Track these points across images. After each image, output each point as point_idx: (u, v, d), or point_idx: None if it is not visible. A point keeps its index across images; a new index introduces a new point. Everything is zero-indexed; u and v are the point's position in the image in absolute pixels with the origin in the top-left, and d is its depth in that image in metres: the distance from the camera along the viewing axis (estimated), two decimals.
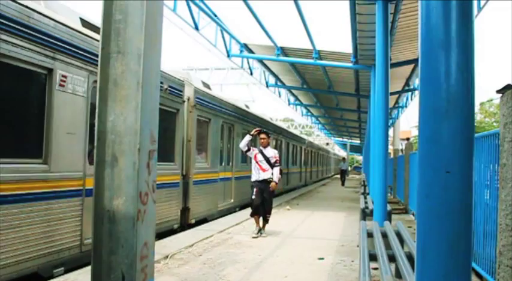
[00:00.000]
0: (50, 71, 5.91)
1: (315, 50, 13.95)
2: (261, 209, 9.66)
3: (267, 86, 20.95)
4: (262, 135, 9.88)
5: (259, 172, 9.67)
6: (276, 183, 9.87)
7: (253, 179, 9.78)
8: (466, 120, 1.80)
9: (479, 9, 9.47)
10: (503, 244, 4.39)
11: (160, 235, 8.86)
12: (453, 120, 1.79)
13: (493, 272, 5.11)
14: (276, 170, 9.82)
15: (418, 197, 1.90)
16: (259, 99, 52.56)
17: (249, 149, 9.78)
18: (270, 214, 9.91)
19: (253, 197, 9.62)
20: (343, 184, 33.67)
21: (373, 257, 4.97)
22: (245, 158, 14.45)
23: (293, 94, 24.34)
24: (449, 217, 1.79)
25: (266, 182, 9.66)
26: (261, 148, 9.88)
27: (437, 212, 1.81)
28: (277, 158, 9.93)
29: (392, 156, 21.22)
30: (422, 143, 1.89)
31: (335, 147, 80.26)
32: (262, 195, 9.58)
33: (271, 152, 9.92)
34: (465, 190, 1.79)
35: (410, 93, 20.53)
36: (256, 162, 9.72)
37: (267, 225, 9.91)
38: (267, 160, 9.69)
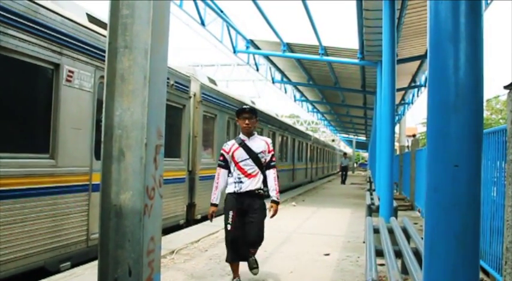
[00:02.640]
0: (57, 66, 5.93)
1: (321, 46, 13.94)
2: (243, 249, 5.50)
3: (273, 82, 20.94)
4: (245, 115, 5.54)
5: (240, 179, 5.46)
6: (278, 202, 5.56)
7: (228, 190, 5.56)
8: (474, 114, 1.79)
9: (486, 5, 9.43)
10: (510, 240, 4.38)
11: (167, 231, 8.88)
12: (462, 114, 1.78)
13: (499, 268, 5.10)
14: (273, 174, 5.57)
15: (426, 191, 1.90)
16: (265, 95, 52.46)
17: (226, 165, 5.57)
18: (258, 244, 5.61)
19: (228, 227, 5.49)
20: (343, 182, 30.55)
21: (379, 253, 4.96)
22: None
23: (299, 90, 24.32)
24: (458, 210, 1.79)
25: (252, 195, 5.46)
26: (242, 136, 5.61)
27: (446, 206, 1.80)
28: (272, 152, 5.68)
29: (398, 153, 21.17)
30: (431, 137, 1.88)
31: (341, 143, 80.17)
32: (243, 222, 5.45)
33: (261, 144, 5.59)
34: (473, 184, 1.79)
35: (416, 89, 20.48)
36: (236, 164, 5.49)
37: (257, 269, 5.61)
38: (255, 157, 5.47)
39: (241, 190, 5.44)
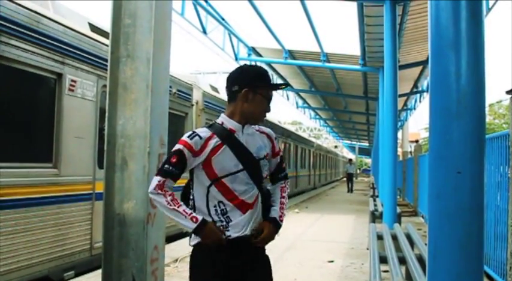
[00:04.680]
0: (60, 75, 5.94)
1: (323, 53, 13.96)
2: None
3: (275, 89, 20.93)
4: (270, 93, 2.68)
5: (225, 214, 2.46)
6: (278, 225, 2.65)
7: (196, 240, 2.49)
8: (477, 121, 1.79)
9: (488, 9, 9.43)
10: None
11: (170, 239, 8.86)
12: (464, 121, 1.78)
13: (504, 274, 5.08)
14: (281, 188, 2.74)
15: (429, 198, 1.90)
16: None
17: (179, 176, 2.50)
18: None
19: None
20: (349, 191, 27.88)
21: (383, 260, 4.95)
22: None
23: (301, 97, 24.35)
24: (461, 217, 1.78)
25: (253, 246, 2.55)
26: (230, 123, 2.64)
27: (449, 212, 1.80)
28: (281, 153, 2.77)
29: (401, 158, 21.13)
30: (433, 144, 1.88)
31: (343, 150, 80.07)
32: None
33: (261, 140, 2.63)
34: (476, 190, 1.79)
35: (418, 95, 20.46)
36: (218, 181, 2.45)
37: None
38: (255, 167, 2.52)
39: (231, 236, 2.48)
